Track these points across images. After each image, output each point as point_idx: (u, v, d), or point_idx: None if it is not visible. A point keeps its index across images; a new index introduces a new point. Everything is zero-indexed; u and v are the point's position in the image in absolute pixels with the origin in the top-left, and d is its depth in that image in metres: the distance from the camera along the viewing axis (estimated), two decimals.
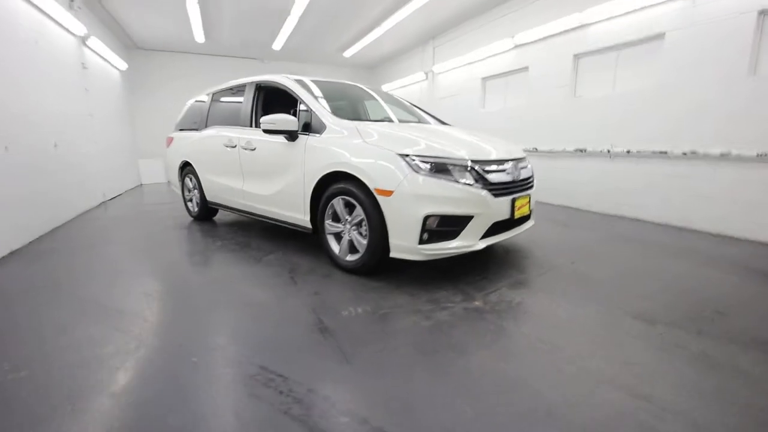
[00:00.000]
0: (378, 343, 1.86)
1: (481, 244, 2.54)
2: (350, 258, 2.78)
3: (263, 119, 3.03)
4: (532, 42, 5.79)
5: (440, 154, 2.46)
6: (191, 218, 4.88)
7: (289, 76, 3.47)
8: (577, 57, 5.21)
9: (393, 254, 2.52)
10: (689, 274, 2.84)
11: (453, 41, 7.67)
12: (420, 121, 3.70)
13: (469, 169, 2.48)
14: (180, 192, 5.02)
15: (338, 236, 2.90)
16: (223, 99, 4.27)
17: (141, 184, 9.21)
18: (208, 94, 4.50)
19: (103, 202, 6.22)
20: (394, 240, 2.47)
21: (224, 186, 3.97)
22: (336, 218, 2.87)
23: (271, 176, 3.34)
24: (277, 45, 8.70)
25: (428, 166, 2.41)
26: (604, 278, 2.74)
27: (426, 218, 2.36)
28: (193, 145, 4.44)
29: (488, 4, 6.39)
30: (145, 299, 2.36)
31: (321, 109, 3.01)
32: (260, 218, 3.63)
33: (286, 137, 3.08)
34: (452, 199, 2.39)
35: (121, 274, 2.82)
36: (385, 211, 2.46)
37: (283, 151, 3.15)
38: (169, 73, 9.59)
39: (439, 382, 1.54)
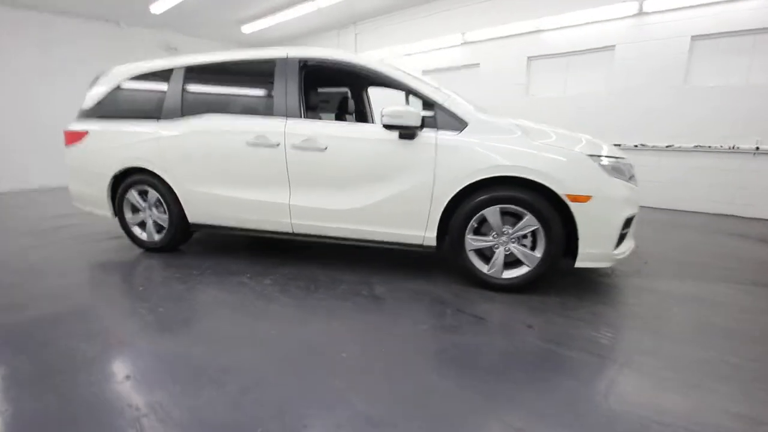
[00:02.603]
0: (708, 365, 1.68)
1: (633, 243, 2.58)
2: (509, 274, 2.41)
3: (386, 111, 2.29)
4: (484, 40, 6.09)
5: (616, 155, 2.36)
6: (141, 249, 3.33)
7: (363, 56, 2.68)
8: (531, 59, 5.77)
9: (580, 264, 2.30)
10: (726, 244, 3.50)
11: (383, 29, 7.40)
12: None
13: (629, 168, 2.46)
14: (109, 213, 3.33)
15: (480, 252, 2.47)
16: (218, 76, 3.01)
17: None
18: (171, 69, 3.07)
19: None
20: (586, 248, 2.25)
21: (239, 201, 2.84)
22: (478, 231, 2.43)
23: (361, 184, 2.56)
24: (159, 8, 6.62)
25: (611, 167, 2.28)
26: (696, 260, 3.10)
27: (624, 221, 2.25)
28: (161, 143, 2.99)
29: None
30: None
31: (457, 100, 2.46)
32: (317, 240, 2.75)
33: (401, 134, 2.40)
34: (633, 200, 2.34)
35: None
36: (579, 218, 2.21)
37: (392, 152, 2.45)
38: None
39: None
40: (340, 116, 3.86)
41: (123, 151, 3.13)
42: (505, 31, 5.80)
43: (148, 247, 3.30)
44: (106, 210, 3.33)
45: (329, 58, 2.68)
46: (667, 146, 4.83)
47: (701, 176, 4.68)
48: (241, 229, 2.98)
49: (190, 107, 2.98)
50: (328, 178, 2.62)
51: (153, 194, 3.13)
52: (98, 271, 2.88)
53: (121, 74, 3.26)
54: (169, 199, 3.07)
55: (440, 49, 6.65)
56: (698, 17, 4.42)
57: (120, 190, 3.22)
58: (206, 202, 2.96)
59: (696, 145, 4.63)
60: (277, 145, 2.66)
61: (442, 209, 2.42)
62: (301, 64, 2.74)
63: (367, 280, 2.65)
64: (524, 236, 2.36)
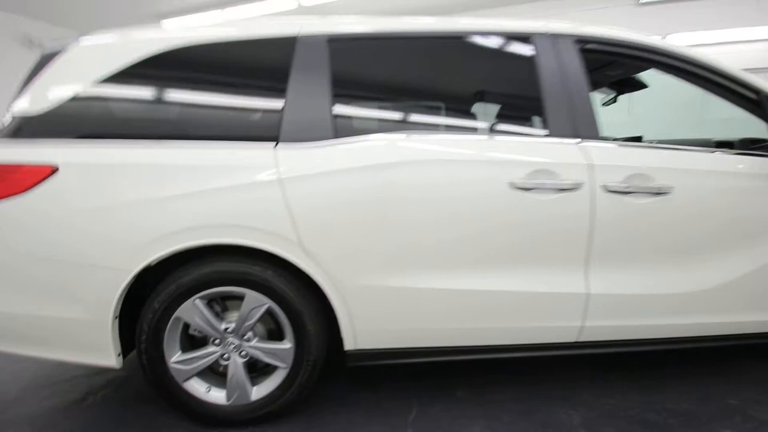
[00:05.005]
0: None
1: None
2: None
3: None
4: None
5: None
6: (199, 423, 1.49)
7: None
8: None
9: None
10: None
11: None
12: None
13: None
14: (113, 358, 1.40)
15: None
16: (411, 61, 1.60)
17: None
18: (292, 39, 1.46)
19: None
20: None
21: (484, 296, 1.46)
22: None
23: (723, 248, 1.53)
24: None
25: None
26: None
27: None
28: (291, 191, 1.35)
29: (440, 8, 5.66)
30: None
31: None
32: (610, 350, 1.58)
33: None
34: None
35: None
36: None
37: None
38: None
39: None
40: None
41: (173, 210, 1.34)
42: None
43: (230, 420, 1.49)
44: (104, 352, 1.40)
45: (641, 42, 1.59)
46: None
47: None
48: (467, 351, 1.55)
49: (355, 119, 1.48)
50: (672, 242, 1.51)
51: (255, 301, 1.40)
52: None
53: (142, 42, 1.46)
54: (303, 306, 1.40)
55: None
56: None
57: (158, 304, 1.37)
58: (406, 306, 1.44)
59: None
60: (577, 186, 1.43)
61: None
62: (580, 48, 1.59)
63: (724, 402, 1.58)
64: None
